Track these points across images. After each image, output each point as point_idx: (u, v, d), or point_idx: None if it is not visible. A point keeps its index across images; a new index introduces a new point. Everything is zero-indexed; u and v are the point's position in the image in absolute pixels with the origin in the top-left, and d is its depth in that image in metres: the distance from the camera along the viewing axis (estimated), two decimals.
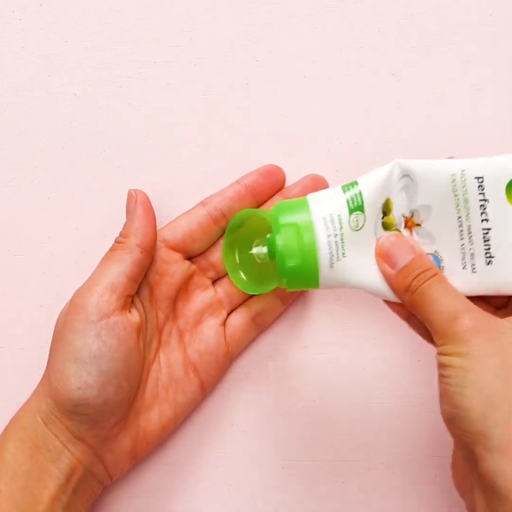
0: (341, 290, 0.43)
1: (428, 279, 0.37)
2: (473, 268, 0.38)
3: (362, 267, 0.37)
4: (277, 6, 0.44)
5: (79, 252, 0.45)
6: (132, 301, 0.41)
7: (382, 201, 0.38)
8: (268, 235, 0.39)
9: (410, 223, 0.39)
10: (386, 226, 0.38)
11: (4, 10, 0.45)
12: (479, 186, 0.38)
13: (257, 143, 0.45)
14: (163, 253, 0.42)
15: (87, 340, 0.38)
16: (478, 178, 0.37)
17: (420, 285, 0.37)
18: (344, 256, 0.37)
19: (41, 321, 0.45)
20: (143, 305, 0.42)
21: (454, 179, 0.37)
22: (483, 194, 0.38)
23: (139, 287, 0.42)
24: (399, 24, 0.44)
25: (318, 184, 0.43)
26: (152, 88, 0.45)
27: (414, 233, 0.39)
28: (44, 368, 0.40)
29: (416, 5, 0.44)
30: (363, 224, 0.38)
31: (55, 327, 0.40)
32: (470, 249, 0.38)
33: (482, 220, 0.38)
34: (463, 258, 0.38)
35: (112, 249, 0.41)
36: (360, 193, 0.37)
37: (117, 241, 0.41)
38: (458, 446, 0.37)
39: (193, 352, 0.43)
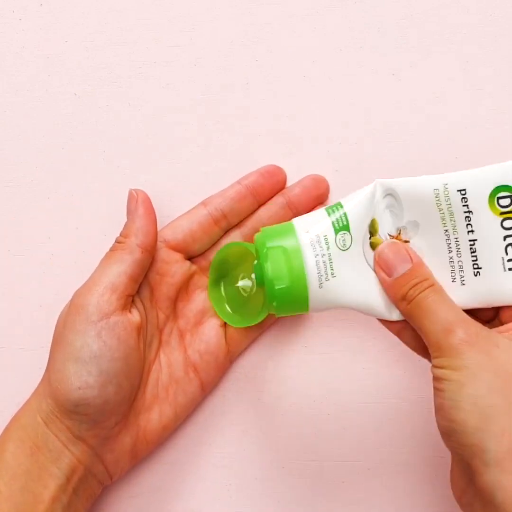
0: None
1: (425, 289, 0.37)
2: (462, 281, 0.39)
3: (351, 287, 0.38)
4: (277, 6, 0.44)
5: (79, 252, 0.45)
6: (133, 301, 0.41)
7: (368, 221, 0.38)
8: (255, 262, 0.39)
9: (398, 240, 0.39)
10: (374, 247, 0.39)
11: (4, 10, 0.45)
12: (462, 198, 0.38)
13: (257, 143, 0.45)
14: (164, 253, 0.42)
15: (88, 340, 0.38)
16: (461, 190, 0.38)
17: (417, 295, 0.37)
18: (333, 276, 0.37)
19: (41, 321, 0.45)
20: (144, 305, 0.42)
21: (438, 194, 0.38)
22: (466, 206, 0.38)
23: (140, 287, 0.42)
24: (399, 24, 0.44)
25: (318, 184, 0.43)
26: (152, 88, 0.45)
27: None
28: (44, 368, 0.41)
29: (416, 5, 0.44)
30: (351, 244, 0.38)
31: (55, 328, 0.40)
32: (458, 261, 0.39)
33: (468, 232, 0.38)
34: (452, 271, 0.39)
35: (112, 249, 0.41)
36: (345, 214, 0.38)
37: (117, 241, 0.41)
38: (455, 460, 0.37)
39: (194, 352, 0.43)
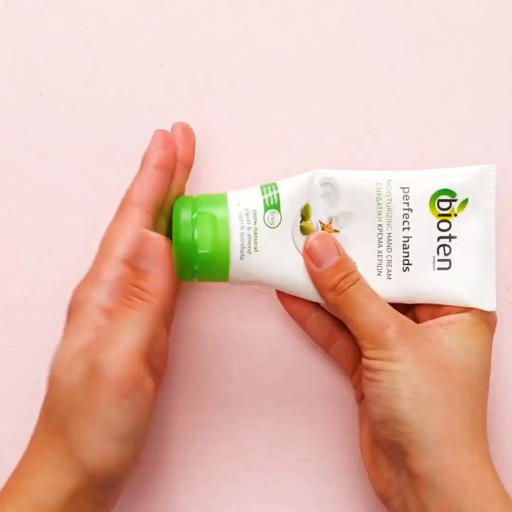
0: None
1: (354, 283, 0.39)
2: (389, 275, 0.40)
3: (273, 263, 0.39)
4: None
5: (44, 252, 0.45)
6: None
7: (301, 205, 0.39)
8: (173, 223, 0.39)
9: (327, 229, 0.40)
10: (304, 231, 0.40)
11: None
12: (404, 196, 0.40)
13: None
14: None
15: (125, 416, 0.34)
16: (404, 188, 0.40)
17: (348, 287, 0.39)
18: (255, 250, 0.38)
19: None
20: None
21: (380, 188, 0.40)
22: (407, 203, 0.40)
23: None
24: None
25: (188, 132, 0.42)
26: (118, 87, 0.45)
27: None
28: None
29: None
30: (279, 223, 0.39)
31: (67, 390, 0.35)
32: (387, 256, 0.40)
33: (404, 228, 0.40)
34: (379, 265, 0.40)
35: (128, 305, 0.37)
36: (278, 194, 0.40)
37: (136, 295, 0.37)
38: (385, 451, 0.39)
39: None
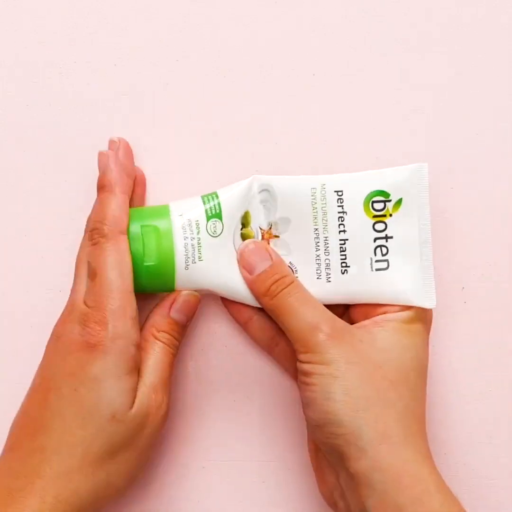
0: None
1: (287, 286, 0.39)
2: (328, 278, 0.41)
3: (218, 271, 0.40)
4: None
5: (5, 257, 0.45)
6: None
7: (241, 213, 0.40)
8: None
9: (267, 235, 0.41)
10: (244, 237, 0.40)
11: None
12: (338, 199, 0.40)
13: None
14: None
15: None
16: (338, 191, 0.40)
17: (280, 291, 0.39)
18: (200, 260, 0.39)
19: None
20: None
21: (314, 193, 0.40)
22: (342, 206, 0.40)
23: None
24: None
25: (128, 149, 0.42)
26: (73, 87, 0.45)
27: (271, 244, 0.41)
28: None
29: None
30: (221, 231, 0.40)
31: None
32: (325, 259, 0.41)
33: (340, 232, 0.40)
34: (318, 269, 0.41)
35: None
36: (219, 203, 0.40)
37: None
38: (325, 454, 0.40)
39: None
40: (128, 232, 0.39)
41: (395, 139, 0.45)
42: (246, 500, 0.45)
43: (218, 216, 0.40)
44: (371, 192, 0.40)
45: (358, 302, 0.41)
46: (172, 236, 0.40)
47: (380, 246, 0.41)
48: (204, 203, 0.40)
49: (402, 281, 0.40)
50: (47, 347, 0.39)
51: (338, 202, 0.40)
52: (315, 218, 0.40)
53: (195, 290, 0.41)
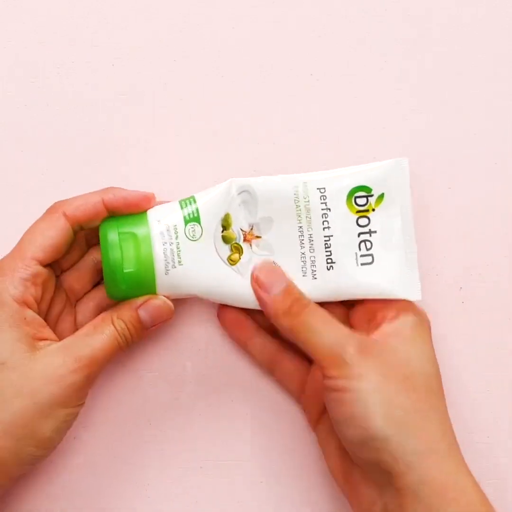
0: None
1: (307, 306, 0.39)
2: (314, 275, 0.41)
3: (199, 275, 0.39)
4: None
5: None
6: None
7: (221, 215, 0.40)
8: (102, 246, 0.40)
9: (249, 236, 0.41)
10: (225, 240, 0.40)
11: None
12: (321, 196, 0.40)
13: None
14: None
15: None
16: (320, 189, 0.40)
17: (302, 310, 0.39)
18: (180, 264, 0.39)
19: None
20: None
21: (297, 191, 0.40)
22: (325, 203, 0.40)
23: None
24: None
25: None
26: (73, 88, 0.45)
27: (253, 245, 0.40)
28: None
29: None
30: (201, 235, 0.40)
31: None
32: (310, 256, 0.41)
33: (324, 228, 0.40)
34: (304, 266, 0.41)
35: None
36: (196, 207, 0.40)
37: None
38: (364, 472, 0.38)
39: None
40: (106, 239, 0.40)
41: (395, 139, 0.45)
42: (245, 500, 0.45)
43: (196, 219, 0.40)
44: (353, 188, 0.41)
45: (345, 299, 0.41)
46: (151, 242, 0.40)
47: (365, 240, 0.41)
48: (181, 207, 0.40)
49: (387, 274, 0.40)
50: None
51: (321, 199, 0.40)
52: (299, 216, 0.40)
53: (179, 296, 0.41)
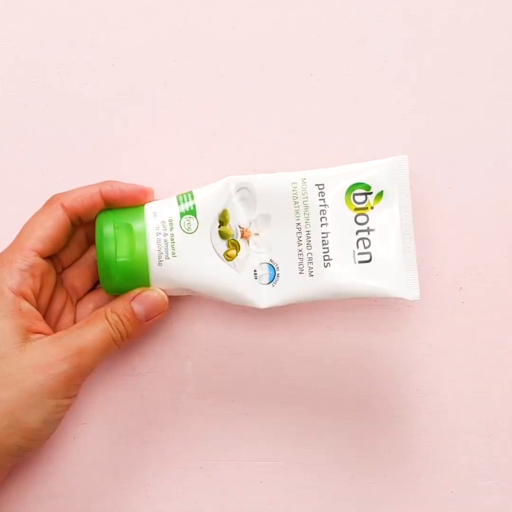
0: None
1: None
2: (311, 272, 0.41)
3: (193, 268, 0.39)
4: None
5: None
6: None
7: (219, 211, 0.40)
8: (97, 238, 0.40)
9: (246, 234, 0.41)
10: (222, 236, 0.40)
11: None
12: (319, 193, 0.40)
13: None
14: None
15: None
16: (319, 185, 0.41)
17: None
18: (173, 256, 0.39)
19: None
20: None
21: (295, 187, 0.40)
22: (323, 200, 0.40)
23: None
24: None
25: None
26: (73, 88, 0.45)
27: (251, 243, 0.41)
28: None
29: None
30: (196, 228, 0.40)
31: None
32: (308, 253, 0.41)
33: (322, 225, 0.40)
34: (301, 263, 0.41)
35: None
36: (193, 201, 0.40)
37: None
38: None
39: None
40: (101, 230, 0.40)
41: (395, 139, 0.45)
42: (244, 500, 0.45)
43: (192, 212, 0.40)
44: (352, 185, 0.41)
45: (342, 297, 0.41)
46: (145, 232, 0.40)
47: (362, 238, 0.41)
48: (178, 201, 0.41)
49: (385, 273, 0.40)
50: None
51: (319, 196, 0.40)
52: (297, 212, 0.41)
53: (175, 291, 0.41)
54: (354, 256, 0.41)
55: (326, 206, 0.40)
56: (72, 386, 0.39)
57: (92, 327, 0.39)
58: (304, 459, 0.45)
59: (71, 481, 0.45)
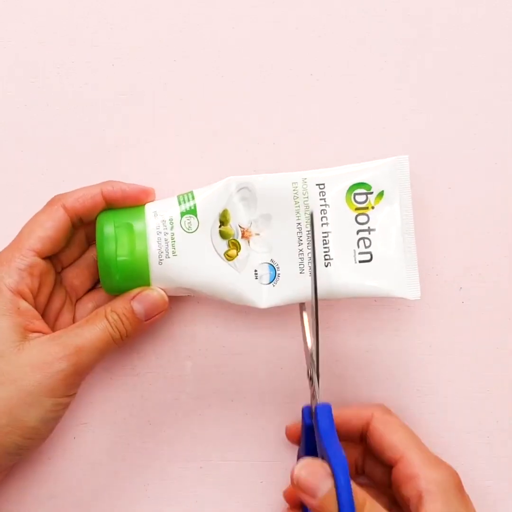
0: None
1: (364, 504, 0.35)
2: (311, 272, 0.40)
3: (193, 267, 0.39)
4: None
5: None
6: None
7: (219, 210, 0.40)
8: (97, 237, 0.40)
9: (247, 234, 0.41)
10: (223, 236, 0.40)
11: None
12: (320, 192, 0.40)
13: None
14: None
15: None
16: (319, 184, 0.41)
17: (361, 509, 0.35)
18: (174, 255, 0.39)
19: None
20: None
21: (296, 187, 0.40)
22: (324, 199, 0.41)
23: None
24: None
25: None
26: (73, 88, 0.45)
27: (251, 242, 0.41)
28: None
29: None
30: (197, 228, 0.40)
31: None
32: (308, 253, 0.41)
33: (322, 224, 0.40)
34: (301, 263, 0.41)
35: None
36: (194, 201, 0.40)
37: None
38: None
39: None
40: (102, 229, 0.40)
41: (395, 139, 0.45)
42: (244, 500, 0.45)
43: (193, 212, 0.40)
44: (353, 185, 0.41)
45: (342, 297, 0.41)
46: (145, 231, 0.40)
47: (363, 238, 0.41)
48: (179, 201, 0.41)
49: (385, 273, 0.40)
50: None
51: (320, 195, 0.40)
52: (298, 212, 0.41)
53: (175, 291, 0.41)
54: (354, 255, 0.41)
55: (327, 206, 0.40)
56: (71, 384, 0.39)
57: (92, 326, 0.39)
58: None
59: (71, 481, 0.46)
